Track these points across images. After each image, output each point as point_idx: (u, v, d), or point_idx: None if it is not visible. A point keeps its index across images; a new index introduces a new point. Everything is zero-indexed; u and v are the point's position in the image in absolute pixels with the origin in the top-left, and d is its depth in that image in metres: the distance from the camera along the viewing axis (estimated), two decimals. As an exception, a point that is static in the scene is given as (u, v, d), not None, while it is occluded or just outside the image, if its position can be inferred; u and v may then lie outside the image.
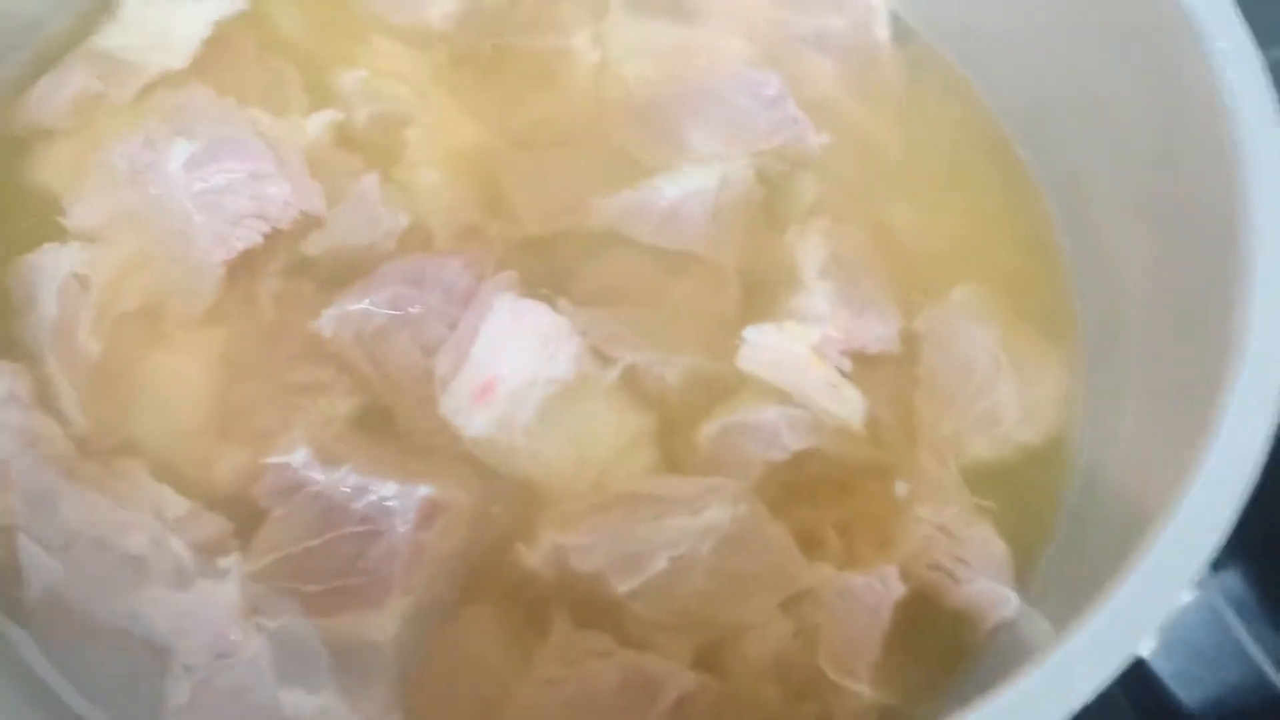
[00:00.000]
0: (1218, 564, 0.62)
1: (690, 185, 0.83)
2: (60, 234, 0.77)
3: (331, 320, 0.75)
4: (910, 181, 0.87)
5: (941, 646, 0.71)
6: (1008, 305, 0.82)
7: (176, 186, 0.78)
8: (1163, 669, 0.85)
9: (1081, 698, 0.53)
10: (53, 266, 0.75)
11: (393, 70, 0.88)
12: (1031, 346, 0.81)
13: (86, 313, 0.74)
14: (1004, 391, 0.78)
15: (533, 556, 0.70)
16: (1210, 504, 0.58)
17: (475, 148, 0.85)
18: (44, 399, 0.72)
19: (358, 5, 0.91)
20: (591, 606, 0.70)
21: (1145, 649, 0.58)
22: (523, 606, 0.70)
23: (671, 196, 0.82)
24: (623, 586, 0.69)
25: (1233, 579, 0.88)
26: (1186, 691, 0.85)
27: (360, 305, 0.75)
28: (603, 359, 0.75)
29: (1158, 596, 0.56)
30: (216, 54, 0.86)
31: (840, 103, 0.90)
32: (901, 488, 0.74)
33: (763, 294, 0.80)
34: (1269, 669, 0.83)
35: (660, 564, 0.70)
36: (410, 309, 0.75)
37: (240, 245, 0.77)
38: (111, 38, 0.85)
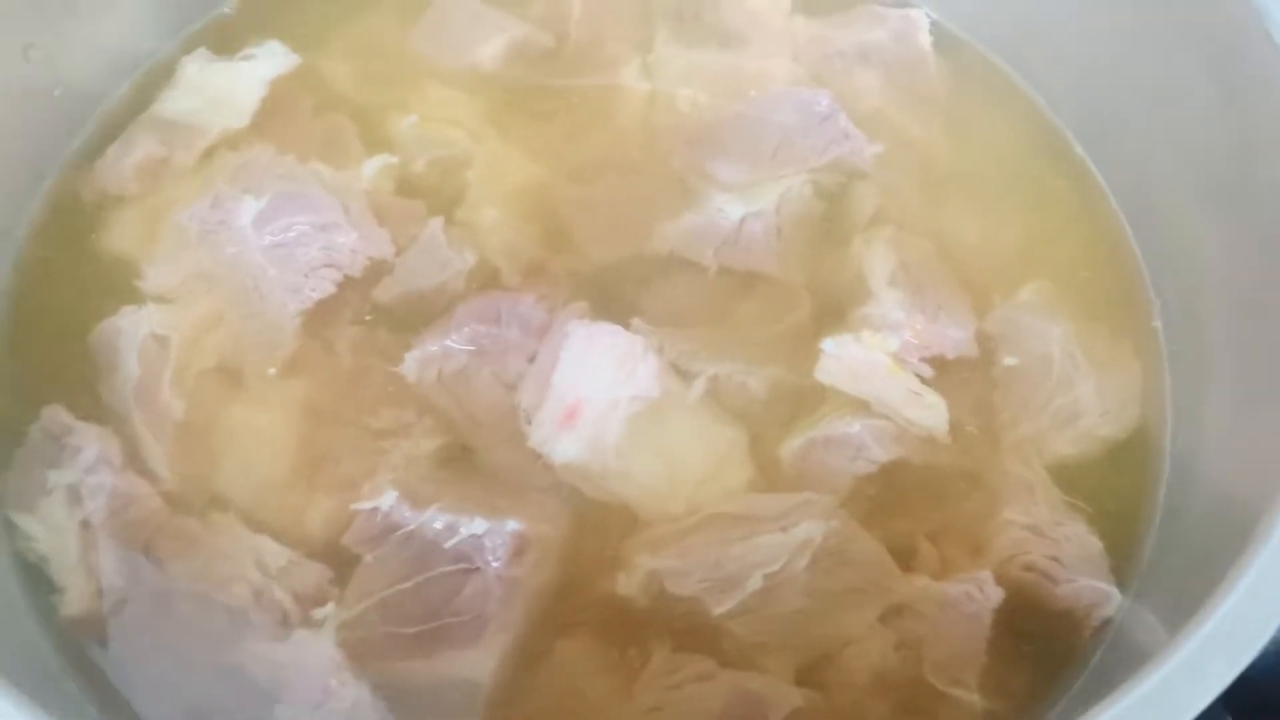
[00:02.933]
0: None
1: (750, 205, 0.82)
2: (137, 297, 0.78)
3: (414, 363, 0.75)
4: (968, 187, 0.86)
5: (1047, 650, 0.69)
6: (1078, 303, 0.81)
7: (248, 242, 0.78)
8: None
9: (1203, 702, 0.51)
10: (132, 329, 0.75)
11: (445, 115, 0.88)
12: (1106, 343, 0.79)
13: (167, 372, 0.74)
14: (1082, 387, 0.77)
15: (628, 584, 0.69)
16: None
17: (533, 184, 0.85)
18: (133, 459, 0.72)
19: (406, 54, 0.92)
20: (689, 630, 0.68)
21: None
22: (618, 635, 0.69)
23: (733, 217, 0.82)
24: (720, 608, 0.68)
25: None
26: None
27: (441, 346, 0.75)
28: (683, 374, 0.75)
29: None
30: (274, 112, 0.86)
31: (890, 114, 0.90)
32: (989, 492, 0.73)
33: (832, 306, 0.80)
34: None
35: (756, 583, 0.68)
36: (489, 346, 0.75)
37: (315, 295, 0.77)
38: (172, 104, 0.86)
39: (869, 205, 0.85)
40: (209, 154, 0.84)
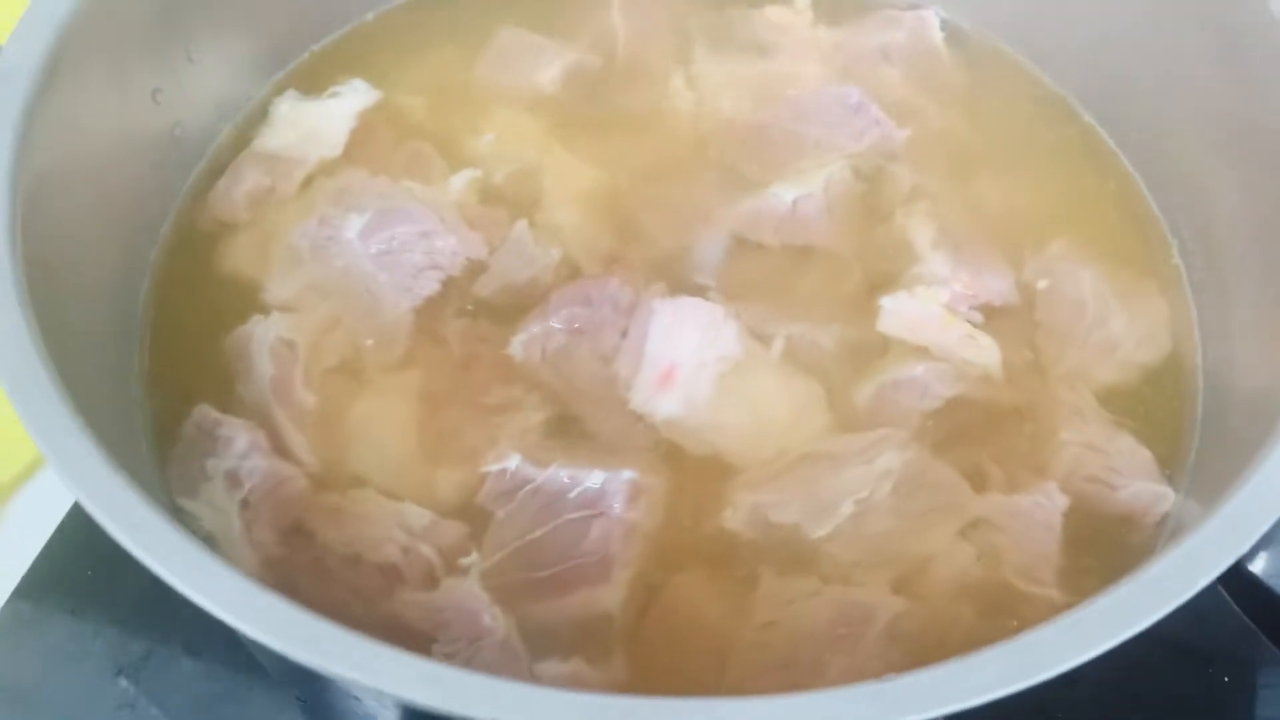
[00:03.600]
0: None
1: (800, 189, 0.92)
2: (261, 308, 0.86)
3: (520, 345, 0.83)
4: (990, 161, 0.96)
5: (1114, 548, 0.77)
6: (1101, 251, 0.90)
7: (357, 253, 0.87)
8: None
9: (1208, 577, 0.57)
10: (262, 334, 0.83)
11: (514, 134, 0.98)
12: (1131, 282, 0.89)
13: (298, 370, 0.82)
14: (1115, 322, 0.86)
15: (734, 518, 0.77)
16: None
17: (600, 188, 0.94)
18: (278, 447, 0.79)
19: (473, 84, 1.01)
20: (792, 557, 0.76)
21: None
22: (728, 566, 0.77)
23: (786, 199, 0.91)
24: (818, 532, 0.76)
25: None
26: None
27: (543, 326, 0.83)
28: (760, 337, 0.83)
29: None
30: (362, 142, 0.96)
31: (913, 104, 1.00)
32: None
33: (883, 272, 0.89)
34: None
35: (847, 509, 0.77)
36: (585, 325, 0.84)
37: (424, 292, 0.86)
38: (270, 139, 0.95)
39: (905, 183, 0.94)
40: (308, 182, 0.93)
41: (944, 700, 0.50)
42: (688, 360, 0.81)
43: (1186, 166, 0.89)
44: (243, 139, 0.96)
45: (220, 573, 0.57)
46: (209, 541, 0.76)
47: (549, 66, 1.01)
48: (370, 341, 0.85)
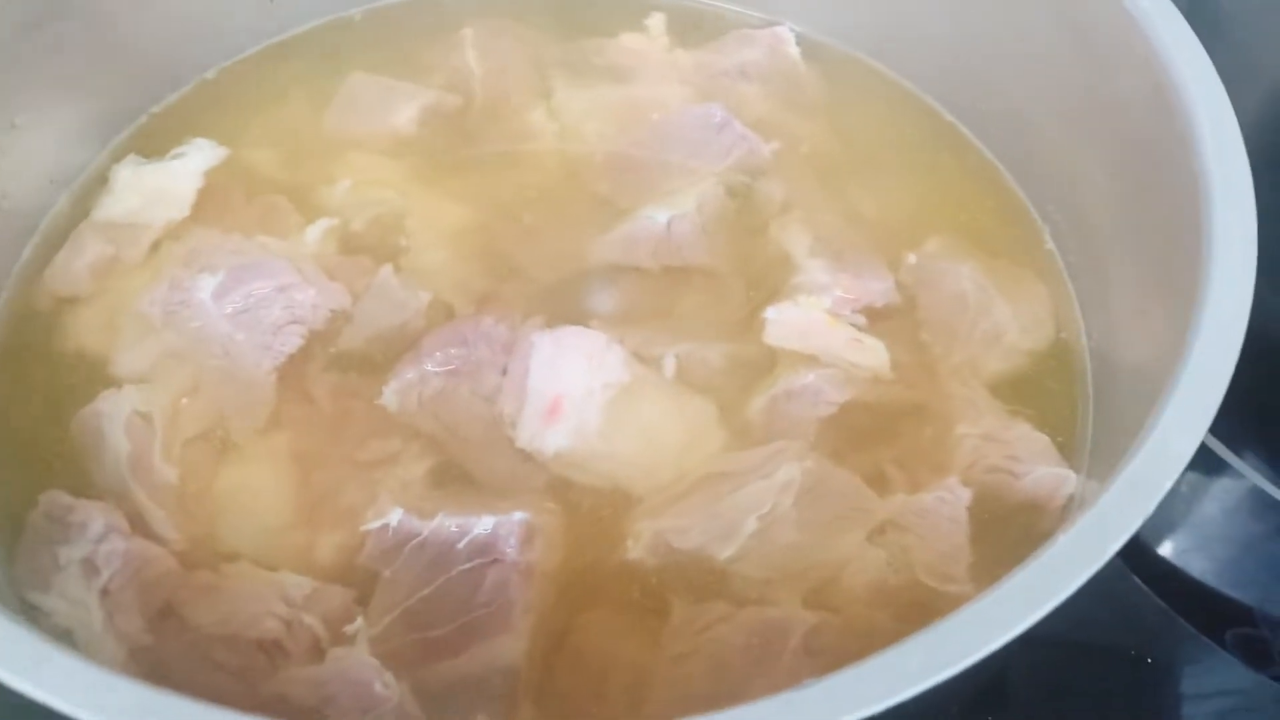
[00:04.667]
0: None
1: (673, 210, 0.89)
2: (110, 384, 0.80)
3: (394, 393, 0.79)
4: (860, 168, 0.96)
5: (1023, 535, 0.75)
6: (977, 244, 0.90)
7: (212, 315, 0.82)
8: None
9: (1117, 543, 0.55)
10: (114, 409, 0.77)
11: (372, 179, 0.94)
12: (1009, 272, 0.89)
13: (156, 444, 0.77)
14: (998, 312, 0.85)
15: (636, 547, 0.73)
16: (1211, 359, 0.63)
17: (469, 226, 0.91)
18: (139, 527, 0.73)
19: (324, 133, 0.97)
20: (700, 582, 0.73)
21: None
22: (636, 600, 0.73)
23: (660, 221, 0.89)
24: (724, 553, 0.73)
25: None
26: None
27: (417, 372, 0.79)
28: (647, 360, 0.81)
29: (1177, 446, 0.59)
30: (211, 201, 0.91)
31: (777, 117, 0.99)
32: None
33: (764, 285, 0.87)
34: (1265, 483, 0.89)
35: (751, 526, 0.73)
36: (462, 366, 0.80)
37: (286, 350, 0.81)
38: (112, 207, 0.90)
39: (776, 196, 0.93)
40: (155, 247, 0.88)
41: (863, 701, 0.47)
42: (573, 390, 0.78)
43: (1049, 154, 0.89)
44: (81, 208, 0.90)
45: (69, 665, 0.51)
46: (65, 638, 0.70)
47: (405, 108, 0.98)
48: (233, 407, 0.80)
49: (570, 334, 0.80)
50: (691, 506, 0.75)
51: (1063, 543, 0.54)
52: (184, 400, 0.79)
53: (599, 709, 0.69)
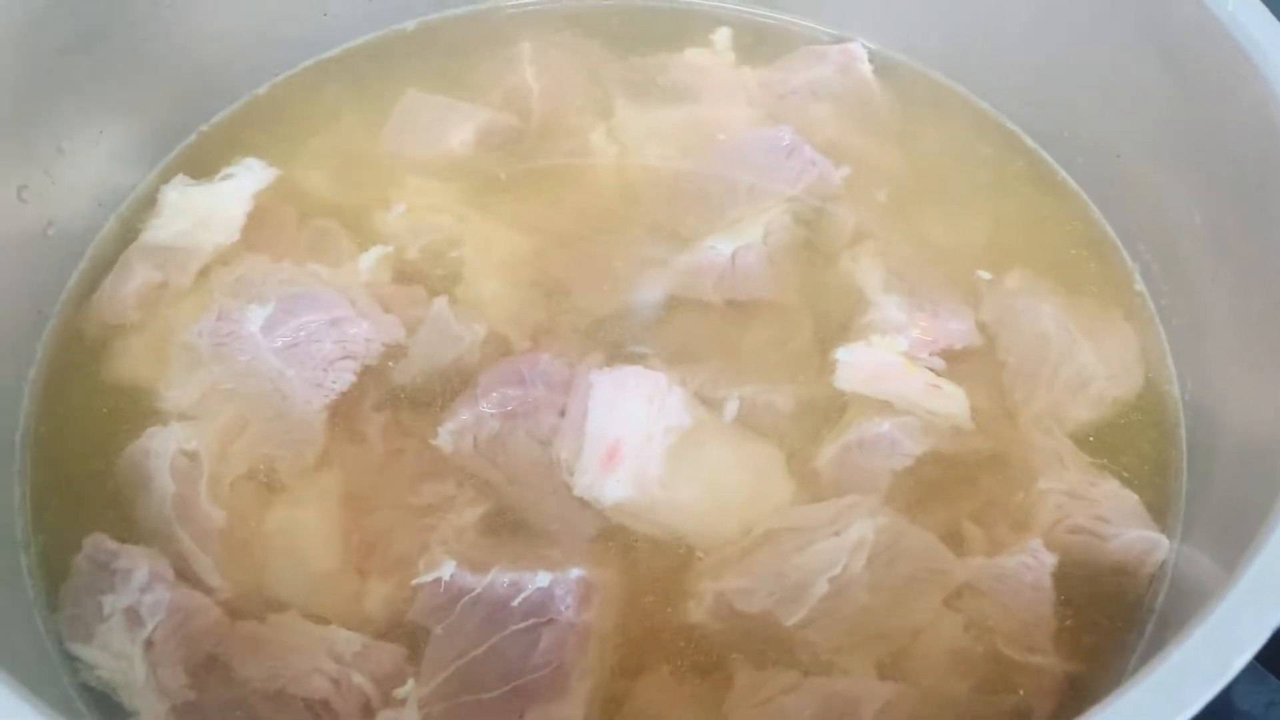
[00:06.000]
0: None
1: (739, 240, 0.85)
2: (158, 418, 0.78)
3: (449, 435, 0.76)
4: (936, 195, 0.91)
5: (1111, 605, 0.71)
6: (1060, 281, 0.85)
7: (261, 349, 0.79)
8: None
9: (1255, 644, 0.51)
10: (160, 447, 0.75)
11: (428, 204, 0.91)
12: (1095, 312, 0.84)
13: (202, 484, 0.74)
14: (1084, 356, 0.80)
15: (698, 609, 0.70)
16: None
17: (525, 254, 0.88)
18: (184, 573, 0.71)
19: (379, 154, 0.94)
20: (765, 647, 0.69)
21: None
22: (697, 664, 0.69)
23: (725, 252, 0.85)
24: (792, 618, 0.69)
25: None
26: None
27: (473, 413, 0.76)
28: (709, 403, 0.77)
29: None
30: (260, 225, 0.88)
31: (847, 140, 0.95)
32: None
33: (834, 321, 0.83)
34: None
35: (821, 588, 0.70)
36: (519, 407, 0.76)
37: (337, 387, 0.78)
38: (160, 230, 0.87)
39: (848, 224, 0.89)
40: (204, 273, 0.85)
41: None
42: (633, 435, 0.74)
43: (1140, 187, 0.84)
44: (129, 231, 0.88)
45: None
46: (109, 693, 0.68)
47: (460, 128, 0.95)
48: (282, 445, 0.77)
49: (630, 375, 0.76)
50: (756, 565, 0.71)
51: (1179, 656, 0.49)
52: (232, 438, 0.77)
53: None
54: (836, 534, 0.72)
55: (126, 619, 0.68)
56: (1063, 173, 0.91)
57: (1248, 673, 0.53)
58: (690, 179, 0.91)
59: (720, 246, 0.85)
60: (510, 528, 0.75)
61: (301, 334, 0.80)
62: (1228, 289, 0.75)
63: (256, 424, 0.78)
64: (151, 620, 0.68)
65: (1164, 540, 0.72)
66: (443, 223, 0.89)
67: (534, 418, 0.76)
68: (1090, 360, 0.80)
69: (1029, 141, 0.93)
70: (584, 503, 0.74)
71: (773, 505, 0.75)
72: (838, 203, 0.90)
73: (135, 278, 0.85)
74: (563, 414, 0.77)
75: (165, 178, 0.90)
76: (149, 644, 0.68)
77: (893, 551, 0.71)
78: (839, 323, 0.83)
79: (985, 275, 0.84)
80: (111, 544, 0.71)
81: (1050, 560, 0.71)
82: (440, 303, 0.82)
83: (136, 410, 0.78)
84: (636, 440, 0.74)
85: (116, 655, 0.68)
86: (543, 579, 0.69)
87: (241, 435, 0.78)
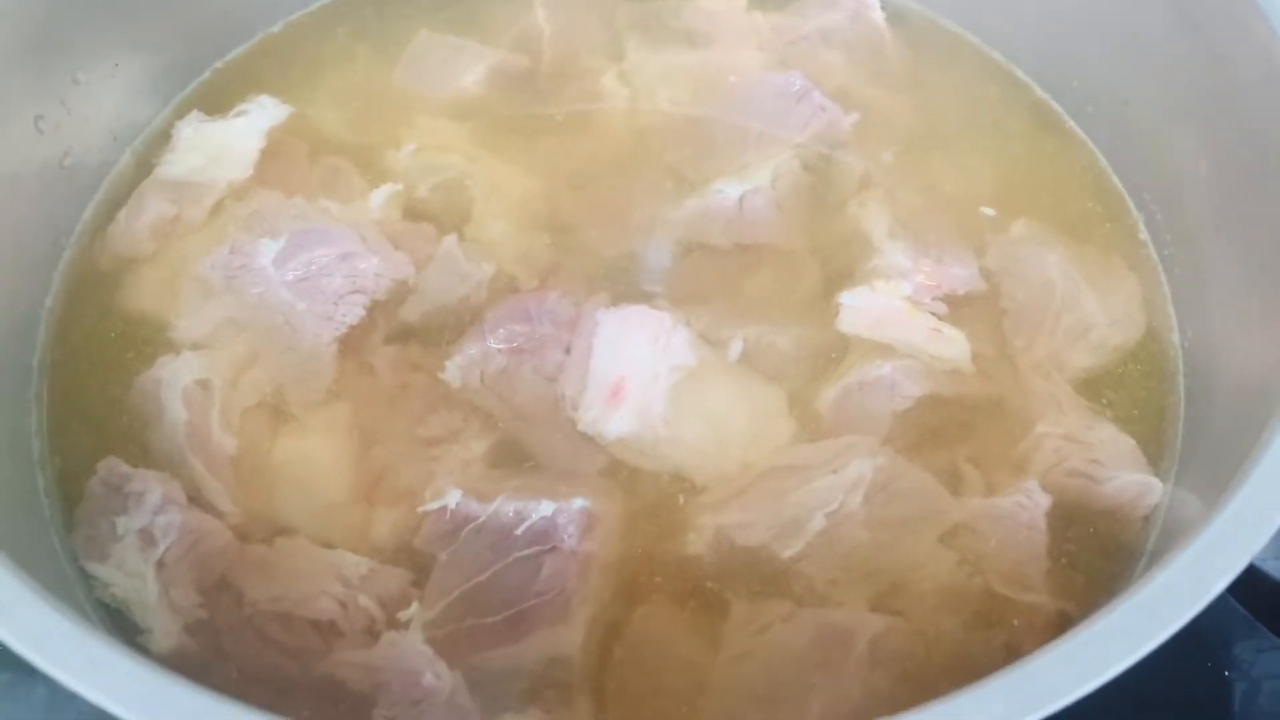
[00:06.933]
0: None
1: (747, 184, 0.86)
2: (171, 348, 0.79)
3: (457, 368, 0.77)
4: (944, 143, 0.91)
5: (1104, 546, 0.72)
6: (1065, 230, 0.85)
7: (272, 282, 0.80)
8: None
9: (1233, 571, 0.52)
10: (172, 377, 0.76)
11: (439, 143, 0.91)
12: (1099, 261, 0.84)
13: (214, 412, 0.75)
14: (1086, 303, 0.81)
15: (698, 542, 0.71)
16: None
17: (535, 195, 0.88)
18: (196, 498, 0.72)
19: (391, 92, 0.95)
20: (762, 580, 0.71)
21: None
22: (695, 595, 0.71)
23: (733, 196, 0.85)
24: (788, 551, 0.70)
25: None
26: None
27: (480, 348, 0.77)
28: (714, 343, 0.78)
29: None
30: (273, 161, 0.89)
31: (858, 88, 0.95)
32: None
33: (839, 267, 0.83)
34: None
35: (818, 524, 0.71)
36: (525, 343, 0.77)
37: (347, 320, 0.79)
38: (174, 165, 0.88)
39: (855, 171, 0.89)
40: (217, 208, 0.86)
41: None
42: (638, 373, 0.75)
43: (1148, 136, 0.84)
44: (144, 166, 0.89)
45: (112, 661, 0.51)
46: (124, 610, 0.69)
47: (472, 69, 0.95)
48: (292, 378, 0.78)
49: (635, 314, 0.77)
50: (756, 500, 0.72)
51: (1160, 579, 0.50)
52: (243, 369, 0.78)
53: (655, 705, 0.67)
54: (835, 472, 0.73)
55: (140, 540, 0.70)
56: (1071, 122, 0.91)
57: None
58: (700, 124, 0.91)
59: (729, 190, 0.86)
60: (515, 460, 0.76)
61: (312, 268, 0.80)
62: (1231, 239, 0.76)
63: (267, 356, 0.79)
64: (164, 541, 0.70)
65: (1158, 483, 0.73)
66: (453, 162, 0.90)
67: (540, 354, 0.77)
68: (1093, 308, 0.81)
69: (1038, 91, 0.93)
70: (588, 438, 0.75)
71: (773, 445, 0.76)
72: (846, 150, 0.90)
73: (149, 211, 0.86)
74: (568, 351, 0.78)
75: (180, 113, 0.91)
76: (161, 564, 0.69)
77: (890, 491, 0.73)
78: (844, 268, 0.83)
79: (989, 211, 0.84)
80: (125, 468, 0.73)
81: (1045, 501, 0.72)
82: (449, 240, 0.83)
83: (149, 340, 0.80)
84: (641, 378, 0.75)
85: (130, 574, 0.69)
86: (546, 508, 0.70)
87: (252, 367, 0.79)
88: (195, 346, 0.79)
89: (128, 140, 0.89)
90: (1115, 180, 0.88)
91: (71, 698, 0.55)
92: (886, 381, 0.77)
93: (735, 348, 0.77)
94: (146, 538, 0.70)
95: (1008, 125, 0.92)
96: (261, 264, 0.81)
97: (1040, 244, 0.84)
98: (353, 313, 0.80)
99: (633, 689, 0.68)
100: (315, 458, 0.76)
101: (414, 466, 0.75)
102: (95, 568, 0.70)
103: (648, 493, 0.74)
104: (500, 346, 0.77)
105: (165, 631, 0.68)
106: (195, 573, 0.70)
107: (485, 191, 0.88)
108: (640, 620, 0.70)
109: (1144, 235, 0.85)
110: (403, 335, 0.80)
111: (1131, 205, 0.86)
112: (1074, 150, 0.90)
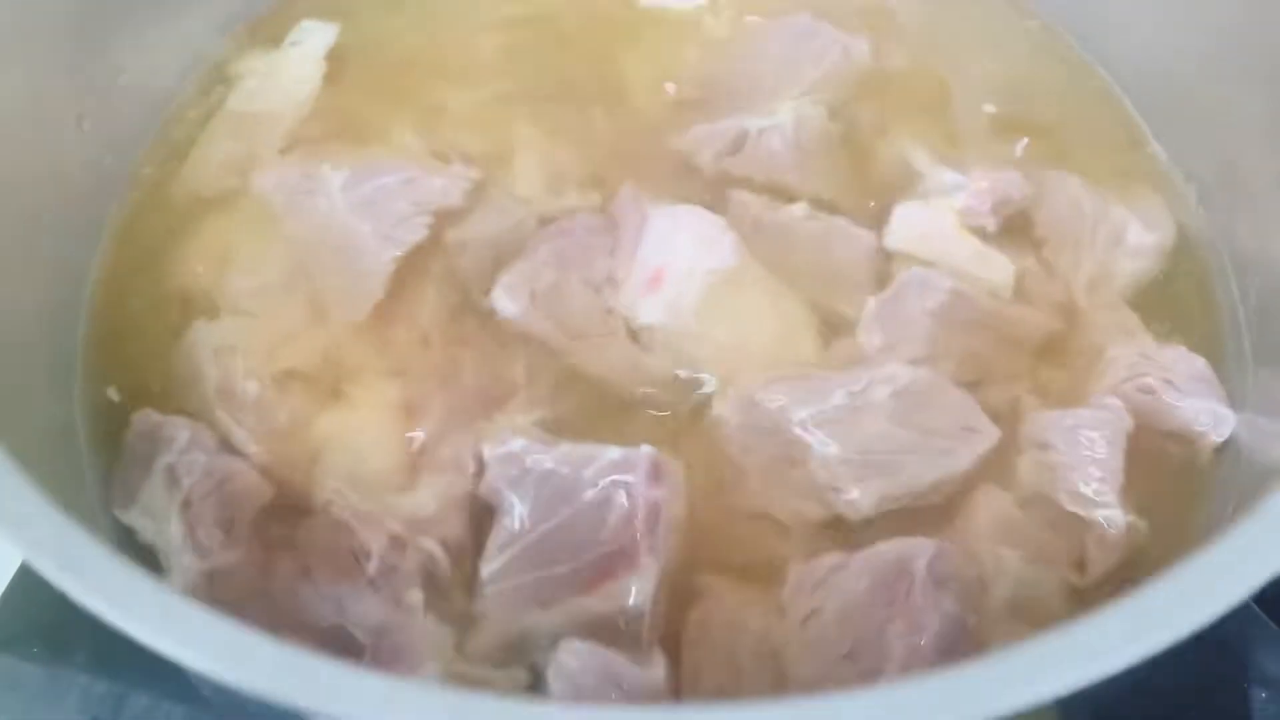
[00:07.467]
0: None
1: (767, 121, 0.44)
2: (212, 311, 0.39)
3: (506, 289, 0.38)
4: (963, 86, 0.47)
5: (1169, 470, 0.36)
6: (1081, 148, 0.44)
7: (337, 204, 0.40)
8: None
9: None
10: (205, 339, 0.38)
11: (474, 97, 0.46)
12: (1120, 186, 0.44)
13: (241, 368, 0.36)
14: (1115, 212, 0.42)
15: (722, 405, 0.36)
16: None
17: (574, 138, 0.45)
18: (226, 445, 0.35)
19: (434, 42, 0.49)
20: (784, 456, 0.34)
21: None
22: (750, 565, 0.34)
23: (750, 128, 0.43)
24: (802, 412, 0.34)
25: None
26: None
27: (530, 265, 0.38)
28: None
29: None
30: (335, 85, 0.46)
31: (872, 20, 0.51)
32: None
33: (884, 199, 0.42)
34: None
35: (838, 398, 0.35)
36: (570, 253, 0.39)
37: (411, 239, 0.39)
38: (241, 99, 0.45)
39: (881, 114, 0.47)
40: (286, 140, 0.44)
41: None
42: (678, 265, 0.38)
43: (1182, 85, 0.43)
44: (207, 101, 0.46)
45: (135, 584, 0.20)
46: (150, 554, 0.32)
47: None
48: (340, 293, 0.39)
49: (687, 213, 0.39)
50: (782, 379, 0.35)
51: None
52: (284, 338, 0.38)
53: (734, 677, 0.32)
54: (867, 368, 0.36)
55: (166, 478, 0.33)
56: (1101, 69, 0.48)
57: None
58: (720, 78, 0.48)
59: (747, 123, 0.44)
60: (579, 394, 0.38)
61: (379, 194, 0.41)
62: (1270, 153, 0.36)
63: (321, 274, 0.39)
64: (188, 478, 0.33)
65: (1232, 415, 0.36)
66: (498, 111, 0.47)
67: (588, 262, 0.39)
68: (1123, 212, 0.41)
69: (1069, 38, 0.49)
70: (643, 348, 0.37)
71: (799, 357, 0.38)
72: (867, 89, 0.47)
73: (220, 148, 0.44)
74: (613, 253, 0.39)
75: (237, 46, 0.47)
76: (185, 504, 0.32)
77: (924, 398, 0.36)
78: (888, 201, 0.42)
79: (1023, 141, 0.43)
80: (157, 416, 0.35)
81: (1127, 419, 0.35)
82: (497, 179, 0.42)
83: (195, 298, 0.40)
84: (680, 270, 0.38)
85: (156, 515, 0.33)
86: (614, 452, 0.33)
87: (290, 342, 0.38)
88: (236, 310, 0.39)
89: (189, 71, 0.46)
90: (1141, 123, 0.45)
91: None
92: (918, 279, 0.38)
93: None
94: (171, 476, 0.33)
95: (1031, 67, 0.47)
96: (329, 188, 0.40)
97: (1059, 167, 0.43)
98: (417, 231, 0.40)
99: (708, 664, 0.32)
100: (359, 426, 0.37)
101: (467, 439, 0.36)
102: (124, 515, 0.33)
103: (701, 457, 0.36)
104: (548, 261, 0.38)
105: (185, 573, 0.31)
106: (220, 513, 0.33)
107: (528, 139, 0.45)
108: (711, 587, 0.33)
109: (1155, 149, 0.44)
110: (453, 285, 0.39)
111: (1147, 132, 0.45)
112: (1101, 93, 0.47)
